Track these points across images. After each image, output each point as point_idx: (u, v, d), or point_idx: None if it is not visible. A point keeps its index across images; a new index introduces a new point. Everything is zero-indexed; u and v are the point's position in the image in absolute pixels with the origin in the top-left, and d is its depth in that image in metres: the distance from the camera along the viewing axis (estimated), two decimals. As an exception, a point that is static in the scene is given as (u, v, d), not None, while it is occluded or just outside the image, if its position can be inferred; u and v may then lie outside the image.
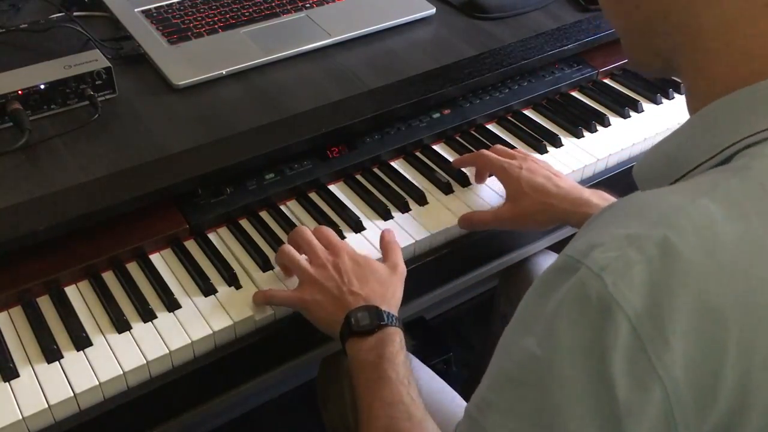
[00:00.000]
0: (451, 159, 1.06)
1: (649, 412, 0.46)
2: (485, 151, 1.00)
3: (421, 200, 1.00)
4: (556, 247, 1.15)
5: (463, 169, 1.04)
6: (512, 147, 1.09)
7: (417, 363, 1.04)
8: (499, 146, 1.03)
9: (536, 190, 0.93)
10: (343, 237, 0.93)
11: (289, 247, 0.86)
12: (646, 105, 1.21)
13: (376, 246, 0.92)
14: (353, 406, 0.98)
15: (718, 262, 0.46)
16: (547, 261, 1.14)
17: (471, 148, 1.09)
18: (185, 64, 1.08)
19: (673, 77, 0.63)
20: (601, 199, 0.93)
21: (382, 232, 0.91)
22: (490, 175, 1.02)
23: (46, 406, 0.74)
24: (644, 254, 0.46)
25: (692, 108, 0.58)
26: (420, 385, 0.85)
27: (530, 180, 0.93)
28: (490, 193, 1.02)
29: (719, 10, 0.53)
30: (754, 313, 0.45)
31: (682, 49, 0.57)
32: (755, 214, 0.47)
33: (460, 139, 1.11)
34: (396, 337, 0.78)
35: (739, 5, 0.53)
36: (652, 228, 0.47)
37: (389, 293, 0.82)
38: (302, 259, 0.85)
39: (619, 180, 1.12)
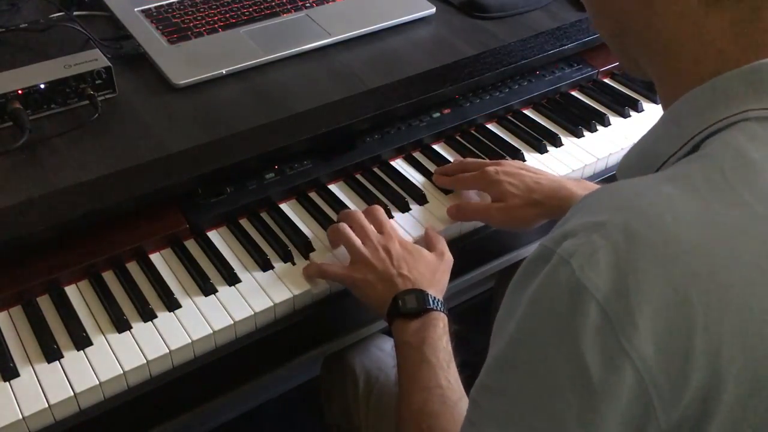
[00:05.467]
0: (451, 159, 1.07)
1: (622, 392, 0.47)
2: (460, 175, 1.00)
3: (421, 200, 1.00)
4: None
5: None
6: (512, 147, 1.09)
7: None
8: (468, 160, 1.03)
9: (520, 189, 0.94)
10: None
11: (344, 225, 0.90)
12: (646, 104, 1.21)
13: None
14: (356, 403, 0.98)
15: (680, 244, 0.47)
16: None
17: (471, 147, 1.09)
18: (185, 63, 1.08)
19: (646, 79, 0.66)
20: (584, 189, 0.95)
21: (426, 228, 0.95)
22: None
23: (46, 405, 0.74)
24: (608, 239, 0.48)
25: (665, 108, 0.61)
26: None
27: (511, 181, 0.95)
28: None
29: (666, 18, 0.56)
30: (718, 292, 0.46)
31: (647, 56, 0.61)
32: (714, 197, 0.49)
33: (460, 139, 1.11)
34: (440, 322, 0.81)
35: (680, 10, 0.55)
36: (615, 214, 0.49)
37: (436, 279, 0.86)
38: (356, 238, 0.88)
39: (619, 180, 1.12)
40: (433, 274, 0.86)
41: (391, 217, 0.97)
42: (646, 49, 0.60)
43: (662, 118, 0.59)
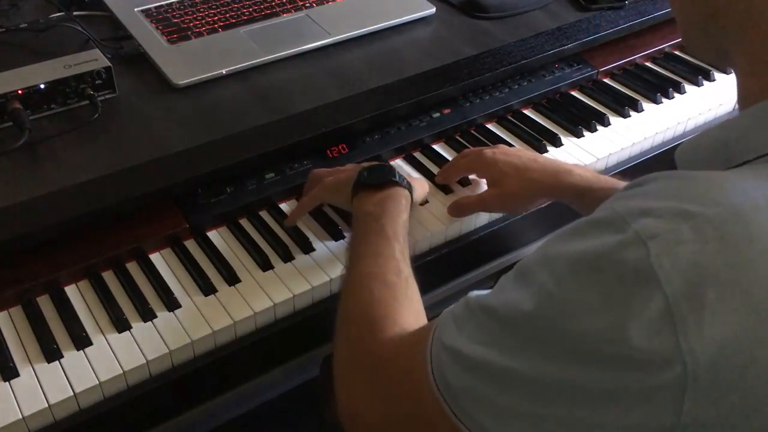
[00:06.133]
0: (451, 159, 1.06)
1: (660, 380, 0.45)
2: (457, 162, 1.00)
3: (422, 200, 1.00)
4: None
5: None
6: (512, 147, 1.09)
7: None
8: (466, 151, 1.03)
9: (516, 168, 0.93)
10: (342, 236, 0.93)
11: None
12: (646, 104, 1.21)
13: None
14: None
15: None
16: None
17: (471, 147, 1.09)
18: (185, 63, 1.08)
19: (726, 67, 0.63)
20: (584, 169, 0.94)
21: None
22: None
23: (46, 405, 0.74)
24: (699, 234, 0.45)
25: (745, 100, 0.57)
26: None
27: (507, 161, 0.94)
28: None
29: None
30: None
31: (742, 44, 0.56)
32: None
33: (460, 139, 1.11)
34: (402, 198, 0.81)
35: None
36: (714, 209, 0.45)
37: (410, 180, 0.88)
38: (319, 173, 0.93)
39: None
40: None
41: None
42: (742, 37, 0.55)
43: (752, 113, 0.54)
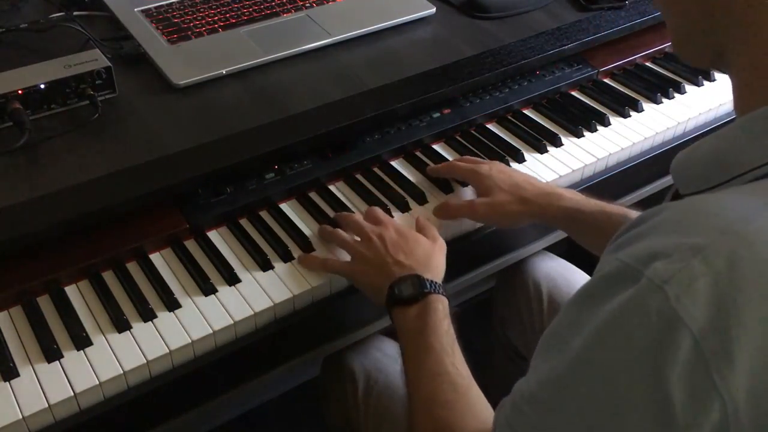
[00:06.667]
0: (451, 159, 1.06)
1: (704, 427, 0.45)
2: (454, 162, 1.00)
3: (421, 200, 1.00)
4: (553, 249, 1.15)
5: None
6: (512, 147, 1.09)
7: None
8: (466, 157, 1.04)
9: (510, 185, 0.94)
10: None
11: (335, 229, 0.91)
12: (646, 104, 1.21)
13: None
14: (355, 405, 0.98)
15: None
16: (544, 262, 1.14)
17: (471, 147, 1.09)
18: (185, 63, 1.08)
19: (720, 72, 0.61)
20: (573, 193, 0.94)
21: (416, 218, 0.95)
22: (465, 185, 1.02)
23: (46, 405, 0.74)
24: (710, 267, 0.45)
25: (741, 108, 0.56)
26: None
27: (502, 177, 0.95)
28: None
29: None
30: None
31: (738, 47, 0.56)
32: None
33: (460, 139, 1.11)
34: (439, 305, 0.80)
35: None
36: (719, 238, 0.45)
37: (433, 262, 0.86)
38: (347, 235, 0.90)
39: (618, 180, 1.12)
40: (429, 258, 0.86)
41: (391, 216, 0.97)
42: (738, 44, 0.55)
43: (743, 123, 0.53)
